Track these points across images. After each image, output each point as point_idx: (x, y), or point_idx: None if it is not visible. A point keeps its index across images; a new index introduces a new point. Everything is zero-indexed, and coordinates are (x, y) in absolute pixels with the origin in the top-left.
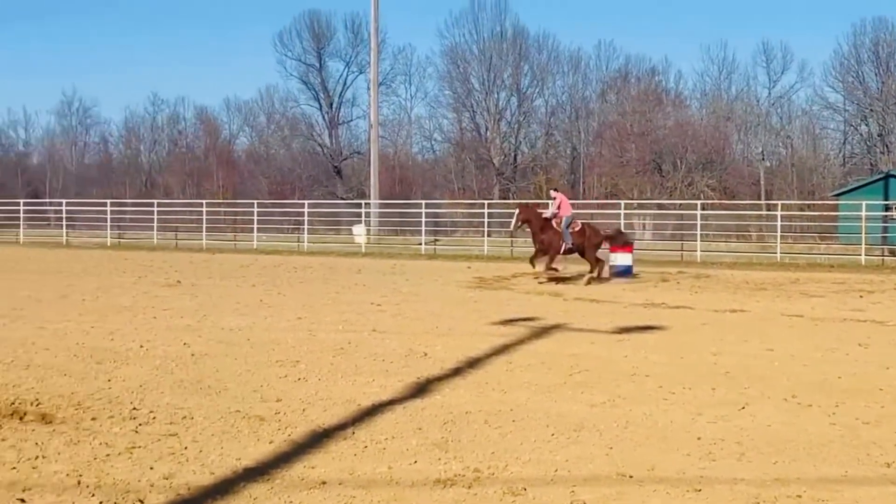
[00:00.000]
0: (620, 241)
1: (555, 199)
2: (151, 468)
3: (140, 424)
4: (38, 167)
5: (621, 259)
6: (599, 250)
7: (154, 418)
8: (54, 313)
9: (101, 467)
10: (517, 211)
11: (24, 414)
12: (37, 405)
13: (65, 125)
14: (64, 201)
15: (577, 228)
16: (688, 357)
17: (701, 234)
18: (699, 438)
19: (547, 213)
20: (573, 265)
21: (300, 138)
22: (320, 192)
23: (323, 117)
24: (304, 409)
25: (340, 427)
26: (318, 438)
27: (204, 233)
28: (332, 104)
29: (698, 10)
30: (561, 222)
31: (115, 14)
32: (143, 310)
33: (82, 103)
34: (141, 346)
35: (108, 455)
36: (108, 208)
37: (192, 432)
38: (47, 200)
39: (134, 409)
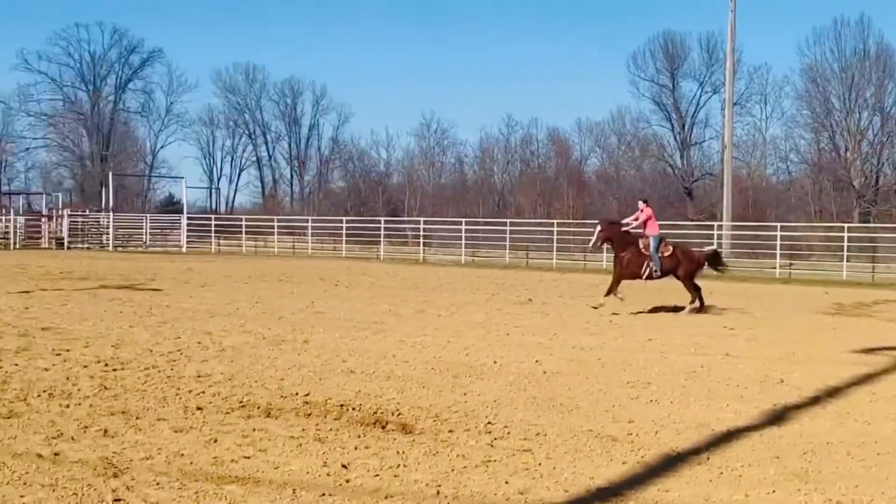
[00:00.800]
0: (718, 263)
1: (642, 211)
2: (506, 482)
3: (495, 439)
4: (398, 187)
5: None
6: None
7: (508, 433)
8: (412, 327)
9: (458, 479)
10: (598, 227)
11: (386, 423)
12: (397, 415)
13: (423, 146)
14: (421, 220)
15: (667, 253)
16: None
17: None
18: None
19: (628, 225)
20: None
21: (651, 159)
22: (670, 213)
23: (674, 138)
24: (656, 432)
25: (694, 451)
26: (672, 462)
27: (554, 252)
28: (684, 125)
29: None
30: (649, 245)
31: (472, 38)
32: (496, 326)
33: (440, 125)
34: (494, 362)
35: (464, 467)
36: (463, 227)
37: (545, 449)
38: (405, 219)
39: (489, 423)
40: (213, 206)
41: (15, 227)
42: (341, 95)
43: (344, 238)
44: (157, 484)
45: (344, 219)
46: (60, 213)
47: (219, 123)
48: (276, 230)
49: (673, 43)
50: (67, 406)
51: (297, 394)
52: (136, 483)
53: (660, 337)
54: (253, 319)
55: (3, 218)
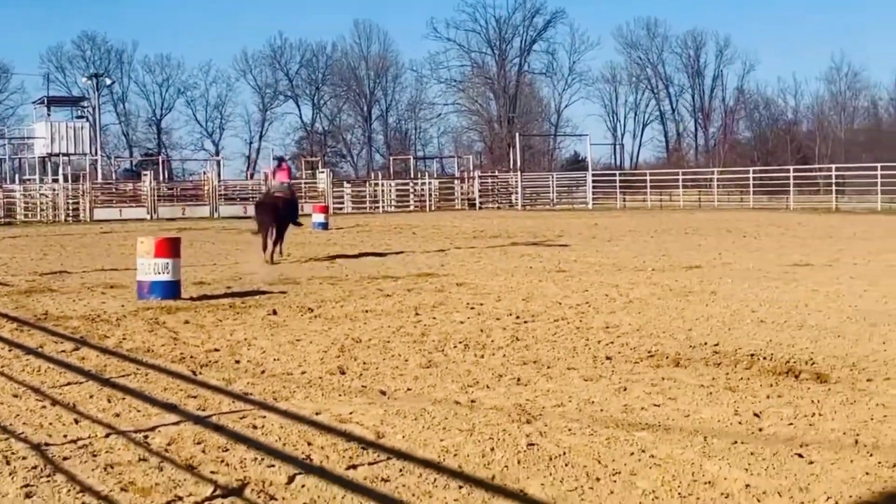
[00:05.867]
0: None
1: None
2: None
3: None
4: (807, 134)
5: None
6: None
7: None
8: (825, 277)
9: (877, 428)
10: None
11: (799, 373)
12: (811, 364)
13: (833, 91)
14: (833, 167)
15: None
16: None
17: None
18: None
19: None
20: None
21: None
22: None
23: None
24: None
25: None
26: None
27: None
28: None
29: None
30: None
31: None
32: None
33: (851, 68)
34: None
35: (885, 416)
36: (879, 173)
37: None
38: (816, 167)
39: None
40: (618, 162)
41: (430, 189)
42: (746, 43)
43: (751, 189)
44: (569, 430)
45: (751, 169)
46: (471, 174)
47: (621, 80)
48: (680, 183)
49: None
50: (482, 356)
51: (705, 343)
52: (548, 429)
53: None
54: (659, 272)
55: (420, 181)
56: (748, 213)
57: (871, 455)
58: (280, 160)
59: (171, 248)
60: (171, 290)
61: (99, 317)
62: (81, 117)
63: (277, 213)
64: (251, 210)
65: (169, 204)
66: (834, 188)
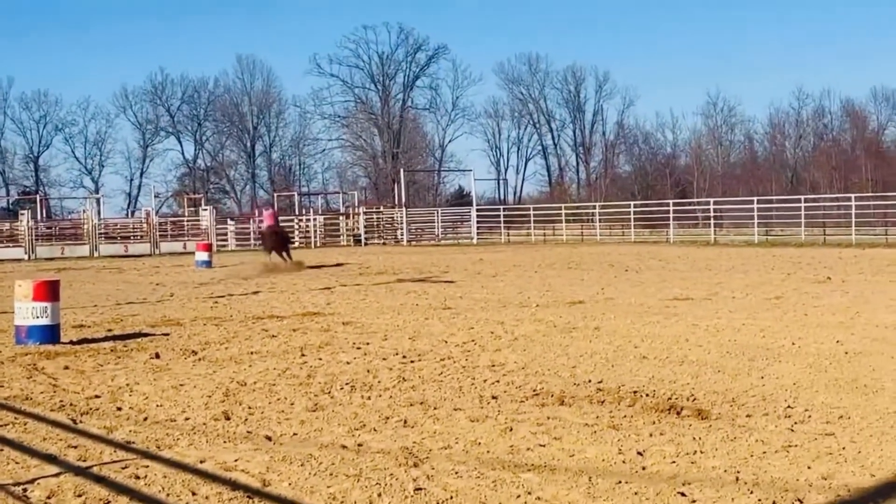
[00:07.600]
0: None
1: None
2: (809, 468)
3: (795, 423)
4: (686, 168)
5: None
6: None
7: (809, 417)
8: (705, 311)
9: (757, 464)
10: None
11: (681, 409)
12: (692, 401)
13: (710, 125)
14: (711, 200)
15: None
16: None
17: None
18: None
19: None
20: None
21: None
22: None
23: None
24: None
25: None
26: None
27: (853, 228)
28: None
29: None
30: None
31: (755, 10)
32: (793, 307)
33: (727, 102)
34: (793, 344)
35: (764, 452)
36: (755, 206)
37: (848, 432)
38: (695, 200)
39: (788, 406)
40: (502, 197)
41: (315, 225)
42: (625, 79)
43: (632, 222)
44: (456, 473)
45: (632, 203)
46: (356, 210)
47: (504, 115)
48: (563, 218)
49: None
50: (369, 398)
51: (589, 381)
52: (435, 472)
53: None
54: (544, 308)
55: (304, 217)
56: (629, 247)
57: (751, 492)
58: (270, 205)
59: (49, 291)
60: (50, 334)
61: None
62: None
63: (276, 238)
64: (133, 248)
65: (47, 243)
66: (712, 221)
